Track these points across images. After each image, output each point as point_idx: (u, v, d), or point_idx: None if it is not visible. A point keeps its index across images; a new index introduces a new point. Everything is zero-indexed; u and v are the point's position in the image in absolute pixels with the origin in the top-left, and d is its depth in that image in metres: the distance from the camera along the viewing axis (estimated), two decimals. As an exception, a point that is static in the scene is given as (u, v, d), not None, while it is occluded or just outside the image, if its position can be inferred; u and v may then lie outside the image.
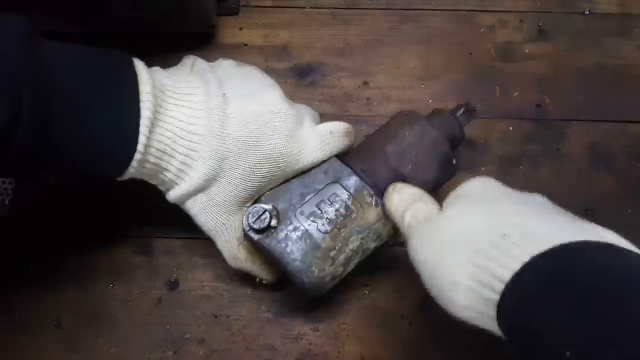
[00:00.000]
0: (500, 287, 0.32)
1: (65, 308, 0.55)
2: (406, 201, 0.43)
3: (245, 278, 0.56)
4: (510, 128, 0.60)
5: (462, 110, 0.52)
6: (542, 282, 0.31)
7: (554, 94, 0.61)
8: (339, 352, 0.54)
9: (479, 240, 0.34)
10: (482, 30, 0.63)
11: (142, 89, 0.43)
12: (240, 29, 0.63)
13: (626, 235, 0.57)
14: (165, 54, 0.59)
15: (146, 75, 0.44)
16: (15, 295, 0.55)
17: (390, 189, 0.45)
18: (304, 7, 0.64)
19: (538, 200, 0.39)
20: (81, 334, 0.54)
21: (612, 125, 0.60)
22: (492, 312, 0.33)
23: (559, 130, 0.60)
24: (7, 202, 0.57)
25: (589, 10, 0.63)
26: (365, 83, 0.61)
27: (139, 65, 0.44)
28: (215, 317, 0.55)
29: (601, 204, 0.58)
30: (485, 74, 0.61)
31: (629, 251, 0.32)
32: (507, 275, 0.32)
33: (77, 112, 0.41)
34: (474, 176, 0.42)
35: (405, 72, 0.62)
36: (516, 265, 0.32)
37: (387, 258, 0.56)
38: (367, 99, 0.61)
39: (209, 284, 0.56)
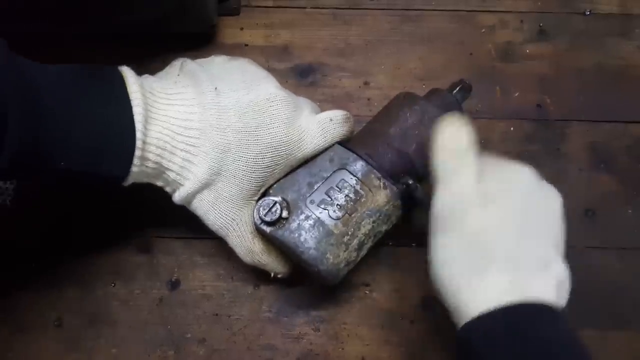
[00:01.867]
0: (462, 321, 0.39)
1: (66, 308, 0.55)
2: (458, 146, 0.42)
3: (246, 278, 0.56)
4: (511, 128, 0.60)
5: (458, 87, 0.53)
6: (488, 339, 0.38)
7: (555, 94, 0.61)
8: (340, 351, 0.54)
9: (492, 262, 0.40)
10: (483, 30, 0.63)
11: (131, 89, 0.44)
12: (241, 29, 0.63)
13: (626, 236, 0.57)
14: (165, 54, 0.59)
15: (133, 78, 0.44)
16: (16, 294, 0.55)
17: (446, 124, 0.43)
18: (304, 7, 0.64)
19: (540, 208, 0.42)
20: (82, 333, 0.54)
21: (613, 126, 0.60)
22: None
23: (559, 131, 0.60)
24: (8, 202, 0.57)
25: (590, 11, 0.64)
26: (366, 83, 0.62)
27: (125, 70, 0.45)
28: (216, 316, 0.55)
29: (602, 204, 0.58)
30: (486, 74, 0.61)
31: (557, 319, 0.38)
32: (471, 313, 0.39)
33: (67, 120, 0.41)
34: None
35: (406, 73, 0.62)
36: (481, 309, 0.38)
37: (388, 257, 0.56)
38: (368, 99, 0.61)
39: (210, 283, 0.56)
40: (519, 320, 0.38)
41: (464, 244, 0.40)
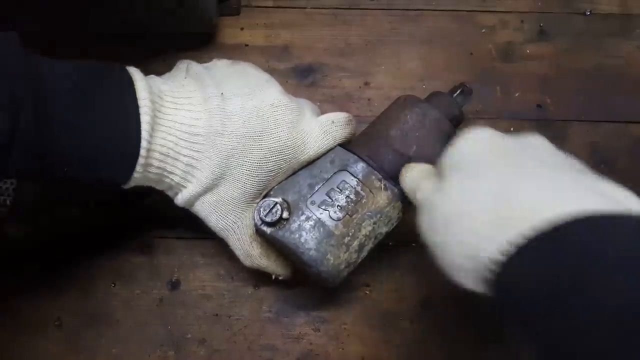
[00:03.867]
0: (494, 269, 0.34)
1: (66, 308, 0.55)
2: (416, 179, 0.45)
3: (246, 278, 0.56)
4: (512, 128, 0.60)
5: (459, 91, 0.53)
6: (527, 268, 0.32)
7: (555, 95, 0.61)
8: (340, 352, 0.54)
9: (472, 221, 0.35)
10: (483, 30, 0.63)
11: (140, 96, 0.43)
12: (242, 29, 0.63)
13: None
14: (166, 54, 0.59)
15: (142, 82, 0.44)
16: (16, 295, 0.55)
17: (403, 169, 0.46)
18: (305, 8, 0.64)
19: (533, 150, 0.40)
20: (82, 334, 0.54)
21: (613, 126, 0.60)
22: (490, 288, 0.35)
23: (559, 131, 0.60)
24: (8, 202, 0.57)
25: (590, 11, 0.64)
26: (366, 83, 0.62)
27: (134, 73, 0.45)
28: (217, 317, 0.55)
29: (602, 204, 0.58)
30: (486, 75, 0.61)
31: (615, 221, 0.33)
32: (499, 258, 0.33)
33: (77, 122, 0.41)
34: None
35: (406, 73, 0.62)
36: (507, 247, 0.33)
37: (388, 258, 0.56)
38: (368, 100, 0.61)
39: (210, 283, 0.56)
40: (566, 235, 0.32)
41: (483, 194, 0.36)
